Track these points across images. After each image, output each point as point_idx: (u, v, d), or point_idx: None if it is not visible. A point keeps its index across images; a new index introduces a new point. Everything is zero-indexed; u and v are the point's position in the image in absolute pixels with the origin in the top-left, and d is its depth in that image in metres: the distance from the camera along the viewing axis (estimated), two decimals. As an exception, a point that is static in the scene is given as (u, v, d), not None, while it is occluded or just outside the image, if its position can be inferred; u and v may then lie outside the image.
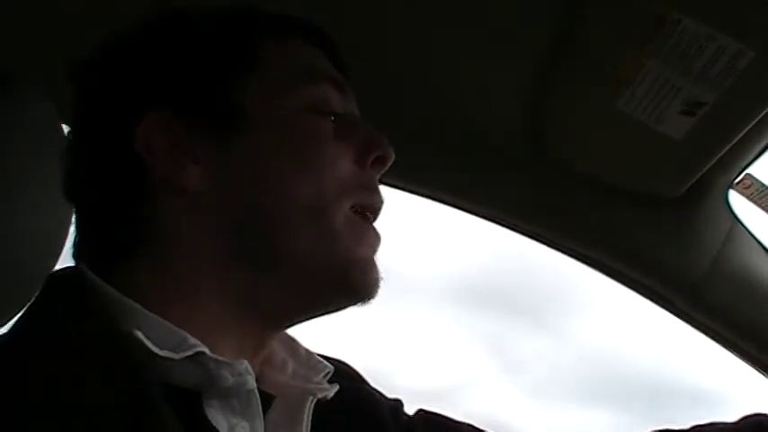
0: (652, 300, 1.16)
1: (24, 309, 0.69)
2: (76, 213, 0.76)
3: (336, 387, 0.77)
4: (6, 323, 0.85)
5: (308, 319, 0.77)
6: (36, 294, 0.69)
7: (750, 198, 1.05)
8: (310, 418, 0.74)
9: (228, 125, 0.72)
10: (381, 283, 0.74)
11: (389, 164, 0.78)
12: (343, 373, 0.83)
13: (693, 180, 1.01)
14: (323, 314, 0.77)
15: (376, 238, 0.76)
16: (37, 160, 0.87)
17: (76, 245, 0.75)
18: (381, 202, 0.78)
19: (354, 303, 0.74)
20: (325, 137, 0.74)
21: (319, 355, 0.83)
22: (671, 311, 1.16)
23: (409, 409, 0.92)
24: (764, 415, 0.91)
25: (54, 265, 0.88)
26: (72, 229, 0.77)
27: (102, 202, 0.73)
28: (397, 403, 0.91)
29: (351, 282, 0.73)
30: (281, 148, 0.72)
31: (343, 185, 0.73)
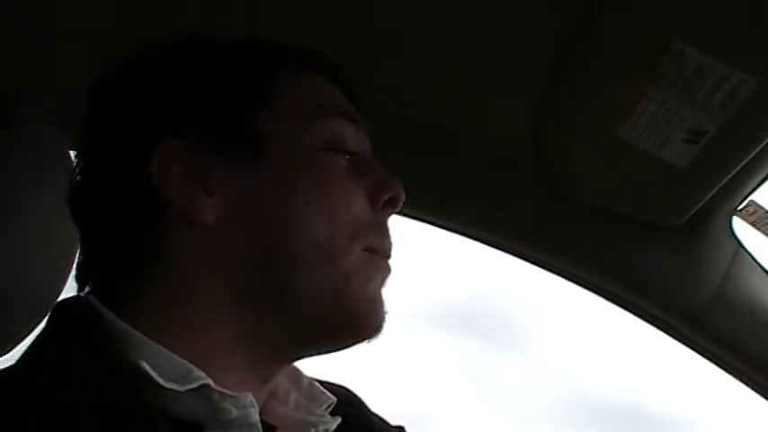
0: (657, 326, 1.16)
1: (32, 339, 0.69)
2: (83, 238, 0.76)
3: (338, 420, 0.77)
4: (10, 351, 0.85)
5: (313, 356, 0.77)
6: (42, 323, 0.69)
7: (754, 225, 1.05)
8: None
9: (245, 157, 0.72)
10: (387, 318, 0.74)
11: (399, 206, 0.78)
12: (344, 400, 0.83)
13: (697, 207, 1.01)
14: (329, 351, 0.76)
15: (387, 272, 0.76)
16: (41, 187, 0.87)
17: (82, 270, 0.75)
18: (391, 245, 0.77)
19: (361, 341, 0.74)
20: (340, 175, 0.74)
21: (320, 380, 0.83)
22: (675, 338, 1.15)
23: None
24: None
25: (59, 293, 0.88)
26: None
27: (112, 228, 0.72)
28: (400, 430, 0.90)
29: (359, 322, 0.73)
30: (297, 184, 0.72)
31: (356, 227, 0.73)
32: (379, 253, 0.75)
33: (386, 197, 0.76)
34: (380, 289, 0.75)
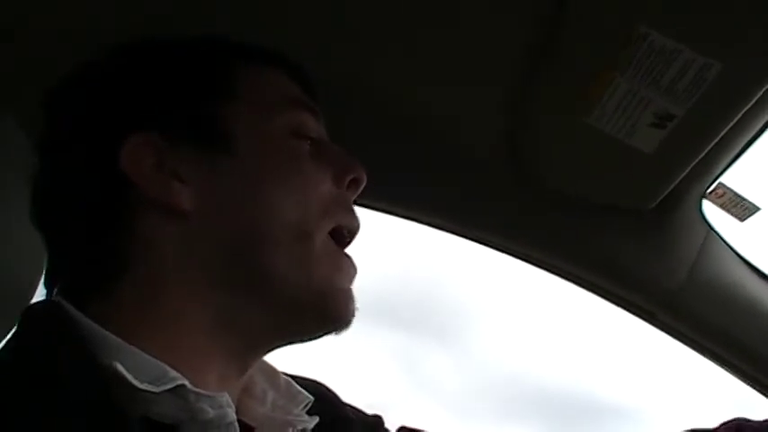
0: (631, 312, 1.16)
1: (1, 344, 0.69)
2: (49, 242, 0.76)
3: (316, 419, 0.78)
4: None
5: (284, 345, 0.78)
6: (12, 329, 0.68)
7: (723, 207, 1.06)
8: None
9: (214, 146, 0.73)
10: (356, 313, 0.76)
11: (363, 185, 0.81)
12: (319, 396, 0.83)
13: (667, 191, 1.02)
14: (299, 341, 0.77)
15: (353, 268, 0.78)
16: (14, 191, 0.86)
17: (50, 274, 0.75)
18: (359, 223, 0.80)
19: (330, 331, 0.76)
20: (305, 158, 0.77)
21: (295, 376, 0.83)
22: (651, 323, 1.16)
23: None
24: (743, 419, 0.92)
25: (32, 295, 0.87)
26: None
27: (81, 227, 0.72)
28: (377, 420, 0.91)
29: (329, 310, 0.74)
30: (267, 169, 0.74)
31: (325, 206, 0.75)
32: (346, 230, 0.78)
33: (350, 177, 0.79)
34: (349, 284, 0.76)
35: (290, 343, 0.78)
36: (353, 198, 0.81)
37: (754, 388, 1.14)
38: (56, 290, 0.73)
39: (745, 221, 1.06)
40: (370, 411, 0.92)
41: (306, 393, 0.80)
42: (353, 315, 0.75)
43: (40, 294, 0.88)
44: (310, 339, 0.77)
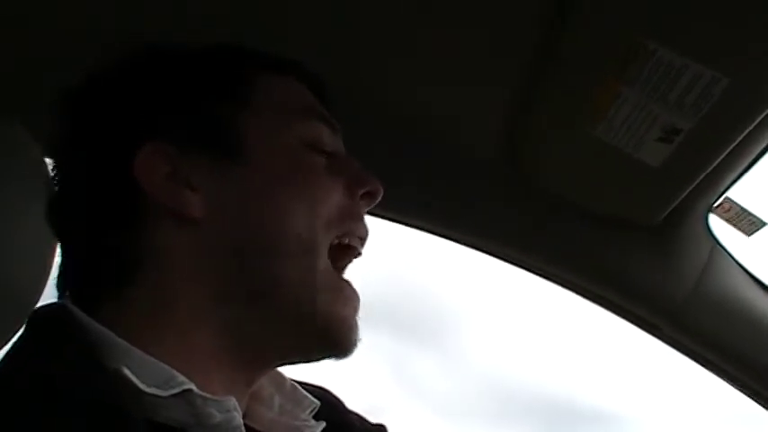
0: (636, 324, 1.16)
1: (8, 347, 0.69)
2: (63, 246, 0.76)
3: (323, 425, 0.78)
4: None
5: (289, 364, 0.77)
6: (20, 332, 0.69)
7: (730, 221, 1.05)
8: None
9: (226, 153, 0.73)
10: (359, 344, 0.75)
11: (378, 199, 0.80)
12: (325, 402, 0.83)
13: (673, 205, 1.02)
14: (301, 361, 0.77)
15: (355, 297, 0.77)
16: (19, 194, 0.86)
17: (62, 278, 0.75)
18: (367, 231, 0.79)
19: (330, 357, 0.75)
20: (319, 172, 0.76)
21: (302, 382, 0.83)
22: (656, 336, 1.16)
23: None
24: None
25: (38, 299, 0.87)
26: (56, 263, 0.77)
27: (94, 233, 0.72)
28: (381, 429, 0.91)
29: (331, 338, 0.74)
30: (279, 180, 0.73)
31: (331, 217, 0.74)
32: (352, 236, 0.77)
33: (362, 191, 0.78)
34: (353, 313, 0.76)
35: (295, 362, 0.77)
36: (365, 209, 0.80)
37: (759, 402, 1.14)
38: (67, 292, 0.74)
39: (752, 236, 1.06)
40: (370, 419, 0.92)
41: (312, 398, 0.80)
42: (355, 345, 0.75)
43: (46, 297, 0.88)
44: (312, 361, 0.76)
